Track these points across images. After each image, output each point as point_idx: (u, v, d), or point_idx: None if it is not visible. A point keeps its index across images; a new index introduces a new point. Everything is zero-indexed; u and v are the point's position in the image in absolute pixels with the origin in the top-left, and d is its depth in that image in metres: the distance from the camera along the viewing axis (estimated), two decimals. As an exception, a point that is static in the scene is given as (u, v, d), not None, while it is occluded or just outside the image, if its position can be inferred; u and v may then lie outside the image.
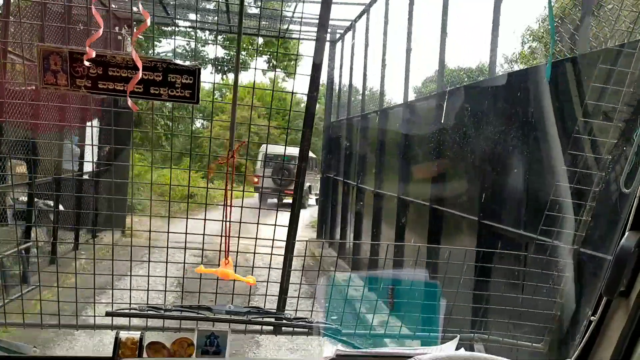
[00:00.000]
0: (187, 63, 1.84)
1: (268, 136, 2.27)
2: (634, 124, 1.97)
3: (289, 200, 11.14)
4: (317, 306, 2.29)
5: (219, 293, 2.22)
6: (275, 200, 14.89)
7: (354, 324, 2.28)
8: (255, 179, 16.70)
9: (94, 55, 1.78)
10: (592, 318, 1.95)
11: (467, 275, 2.37)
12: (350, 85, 14.71)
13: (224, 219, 2.01)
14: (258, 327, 2.23)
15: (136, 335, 1.98)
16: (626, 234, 1.77)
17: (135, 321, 2.25)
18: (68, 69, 1.83)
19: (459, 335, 2.14)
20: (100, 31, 1.78)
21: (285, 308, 2.29)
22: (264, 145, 12.70)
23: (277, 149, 14.40)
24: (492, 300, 2.37)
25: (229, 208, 2.01)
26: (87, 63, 1.78)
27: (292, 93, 2.14)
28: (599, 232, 2.29)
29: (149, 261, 2.28)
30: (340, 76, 15.22)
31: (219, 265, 2.06)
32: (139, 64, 1.70)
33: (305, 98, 2.23)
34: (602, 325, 1.90)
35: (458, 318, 2.42)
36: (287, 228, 2.15)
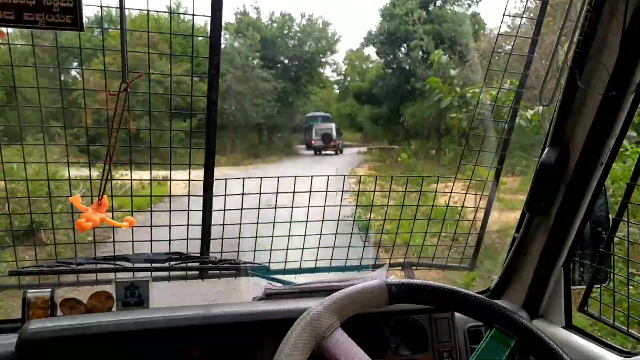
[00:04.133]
0: (65, -19, 1.58)
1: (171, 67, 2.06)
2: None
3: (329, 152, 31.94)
4: (243, 246, 2.20)
5: (136, 241, 2.08)
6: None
7: (282, 262, 2.23)
8: (312, 142, 32.74)
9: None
10: (515, 235, 2.01)
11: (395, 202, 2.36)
12: None
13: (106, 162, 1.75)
14: (182, 273, 2.13)
15: (47, 293, 1.84)
16: (546, 149, 1.78)
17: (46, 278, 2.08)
18: None
19: (387, 262, 2.14)
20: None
21: (209, 251, 2.19)
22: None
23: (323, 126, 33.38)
24: (420, 226, 2.38)
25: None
26: None
27: (193, 15, 1.91)
28: (521, 153, 2.31)
29: (52, 213, 2.09)
30: None
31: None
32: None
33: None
34: (525, 241, 1.96)
35: (388, 246, 2.43)
36: (203, 167, 2.02)
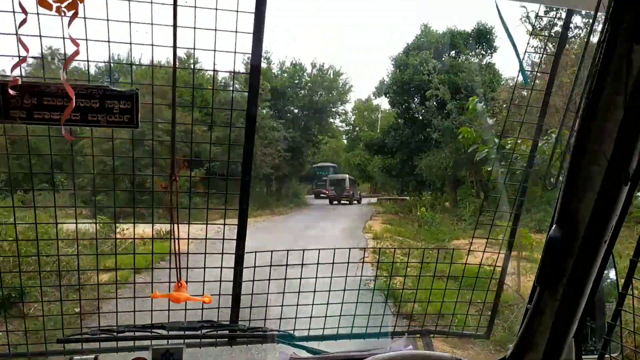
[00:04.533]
0: (125, 89, 1.83)
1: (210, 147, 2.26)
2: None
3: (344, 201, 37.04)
4: (270, 314, 2.34)
5: (171, 310, 2.23)
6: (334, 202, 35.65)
7: (307, 329, 2.36)
8: (327, 192, 36.46)
9: (19, 82, 1.75)
10: (528, 306, 2.12)
11: (412, 273, 2.49)
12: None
13: (172, 237, 2.00)
14: (213, 339, 2.27)
15: (90, 359, 1.98)
16: (553, 227, 1.93)
17: (88, 344, 2.24)
18: (0, 100, 1.79)
19: (407, 333, 2.26)
20: (28, 58, 1.74)
21: (238, 319, 2.33)
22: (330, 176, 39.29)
23: (337, 177, 37.51)
24: (436, 295, 2.50)
25: (175, 225, 2.00)
26: (11, 92, 1.73)
27: (233, 91, 2.09)
28: (532, 223, 2.44)
29: (98, 284, 2.26)
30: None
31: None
32: (72, 94, 1.68)
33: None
34: (537, 313, 2.06)
35: (406, 314, 2.54)
36: (235, 241, 2.19)
